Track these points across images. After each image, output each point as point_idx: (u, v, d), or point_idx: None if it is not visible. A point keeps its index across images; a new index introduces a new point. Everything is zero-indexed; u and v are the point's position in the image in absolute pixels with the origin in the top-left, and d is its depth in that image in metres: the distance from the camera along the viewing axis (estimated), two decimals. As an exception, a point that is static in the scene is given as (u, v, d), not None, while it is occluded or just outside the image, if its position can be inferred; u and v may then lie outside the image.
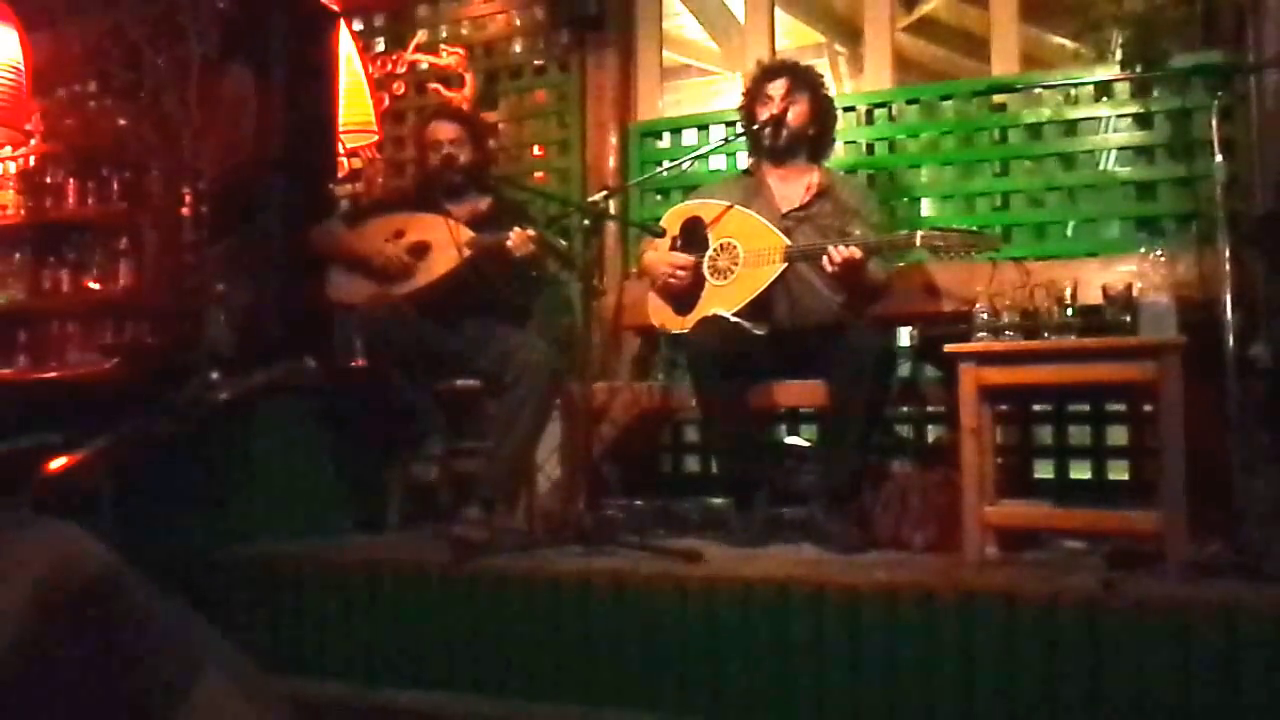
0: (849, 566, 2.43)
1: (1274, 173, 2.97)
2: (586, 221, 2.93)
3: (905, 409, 3.37)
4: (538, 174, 4.19)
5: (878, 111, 3.68)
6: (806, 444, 3.54)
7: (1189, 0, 3.13)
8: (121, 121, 3.88)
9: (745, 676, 2.20)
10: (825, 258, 2.72)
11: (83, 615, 0.83)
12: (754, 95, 3.10)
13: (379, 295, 3.11)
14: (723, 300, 2.91)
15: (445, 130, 3.27)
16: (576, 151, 4.05)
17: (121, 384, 3.19)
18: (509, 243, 2.95)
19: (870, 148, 3.68)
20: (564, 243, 3.24)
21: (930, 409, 3.31)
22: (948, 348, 2.50)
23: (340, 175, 3.88)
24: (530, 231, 2.97)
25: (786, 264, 2.83)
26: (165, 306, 3.35)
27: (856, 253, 2.69)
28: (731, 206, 3.01)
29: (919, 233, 2.70)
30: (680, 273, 3.00)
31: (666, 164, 3.47)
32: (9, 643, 0.79)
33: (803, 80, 3.05)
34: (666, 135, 4.04)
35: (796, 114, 3.02)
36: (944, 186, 3.60)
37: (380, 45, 4.45)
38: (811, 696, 2.14)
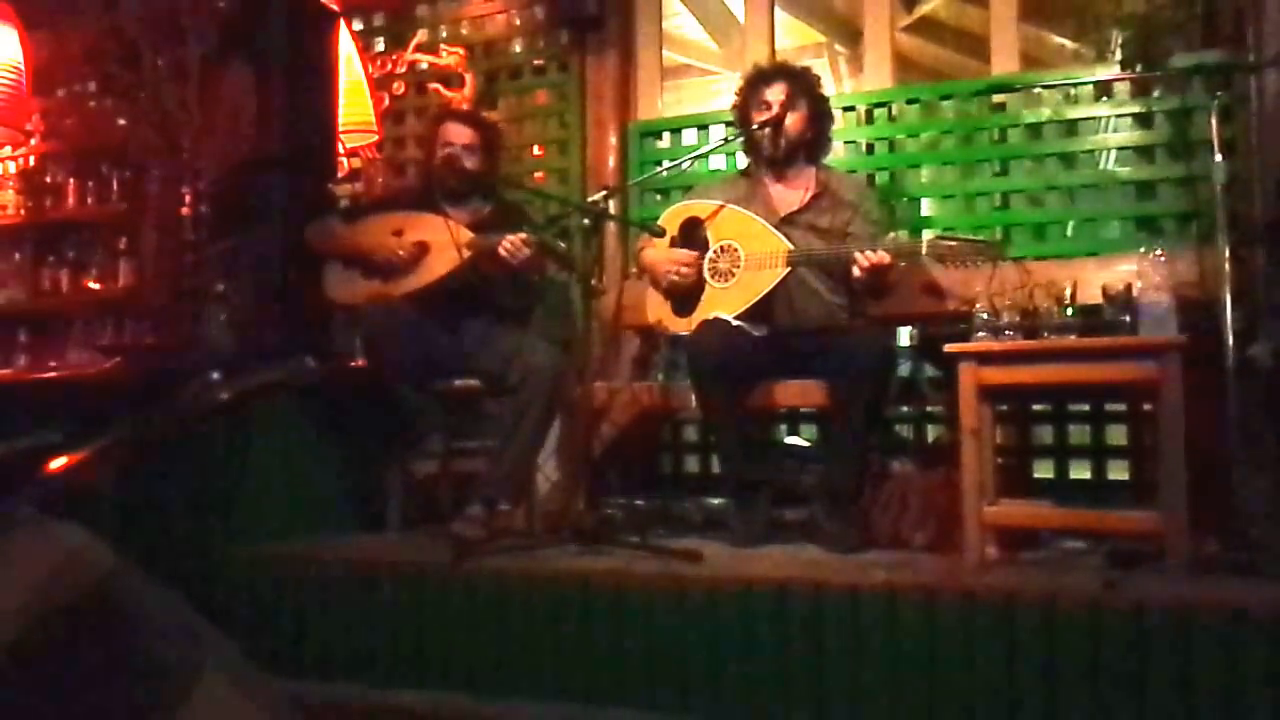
0: (849, 566, 2.43)
1: (1274, 173, 2.96)
2: (586, 221, 2.92)
3: (905, 409, 3.37)
4: (537, 174, 4.18)
5: (878, 111, 3.68)
6: (806, 444, 3.54)
7: (1189, 0, 3.13)
8: (121, 121, 3.88)
9: (745, 676, 2.20)
10: (854, 264, 2.68)
11: (83, 616, 0.83)
12: (749, 98, 3.07)
13: (378, 294, 3.10)
14: (723, 303, 2.91)
15: (459, 133, 3.24)
16: (576, 151, 4.04)
17: (121, 384, 3.19)
18: (500, 250, 2.94)
19: (870, 148, 3.68)
20: (563, 245, 3.23)
21: (930, 409, 3.30)
22: (948, 348, 2.50)
23: (340, 175, 3.88)
24: (524, 236, 2.96)
25: (789, 269, 2.83)
26: (165, 306, 3.36)
27: (885, 258, 2.66)
28: (731, 207, 3.00)
29: (925, 243, 2.69)
30: (684, 269, 2.98)
31: (666, 164, 3.46)
32: (10, 643, 0.79)
33: (801, 85, 3.02)
34: (666, 135, 4.03)
35: (794, 120, 2.99)
36: (944, 186, 3.60)
37: (380, 45, 4.45)
38: (811, 697, 2.14)
